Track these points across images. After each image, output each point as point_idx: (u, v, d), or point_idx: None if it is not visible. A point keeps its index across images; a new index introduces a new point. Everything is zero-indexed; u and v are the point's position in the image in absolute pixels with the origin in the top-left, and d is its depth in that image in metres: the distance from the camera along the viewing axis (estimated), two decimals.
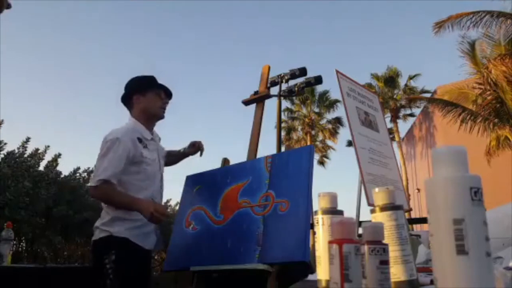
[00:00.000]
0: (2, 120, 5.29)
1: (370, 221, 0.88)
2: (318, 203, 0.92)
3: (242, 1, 37.25)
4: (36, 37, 31.52)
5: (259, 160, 1.95)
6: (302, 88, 2.50)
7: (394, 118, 22.24)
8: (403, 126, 24.21)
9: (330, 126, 22.85)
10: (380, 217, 0.84)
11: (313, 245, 0.97)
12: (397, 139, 21.98)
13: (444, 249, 0.56)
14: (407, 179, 20.80)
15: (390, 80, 22.34)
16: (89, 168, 6.76)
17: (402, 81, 22.67)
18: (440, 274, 0.57)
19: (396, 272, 0.80)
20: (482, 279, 0.54)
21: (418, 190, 21.79)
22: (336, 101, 21.88)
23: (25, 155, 5.78)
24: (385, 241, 0.74)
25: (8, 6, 1.33)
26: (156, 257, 7.46)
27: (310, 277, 1.38)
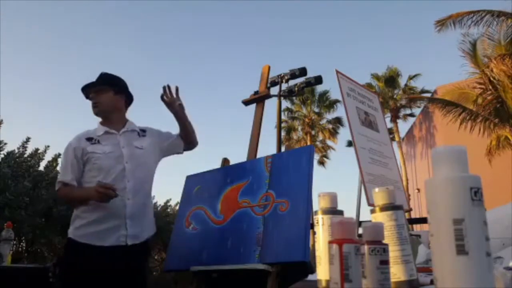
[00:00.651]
0: (2, 120, 5.29)
1: (370, 221, 0.88)
2: (318, 203, 0.92)
3: (242, 1, 37.27)
4: (36, 36, 31.54)
5: (259, 160, 1.95)
6: (302, 88, 2.50)
7: (394, 118, 22.24)
8: (403, 126, 24.22)
9: (330, 126, 22.85)
10: (380, 217, 0.84)
11: (313, 245, 0.97)
12: (397, 139, 21.97)
13: (444, 249, 0.56)
14: (407, 179, 20.80)
15: (390, 80, 22.34)
16: None
17: (402, 81, 22.68)
18: (440, 274, 0.57)
19: (396, 272, 0.80)
20: (482, 279, 0.54)
21: (418, 190, 21.79)
22: (336, 101, 21.88)
23: (25, 155, 5.78)
24: (385, 241, 0.74)
25: None
26: (156, 257, 7.46)
27: (310, 277, 1.38)
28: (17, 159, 5.50)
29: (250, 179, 1.89)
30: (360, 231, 0.77)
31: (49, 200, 5.49)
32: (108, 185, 1.87)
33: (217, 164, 2.15)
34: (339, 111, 22.39)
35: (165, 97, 2.14)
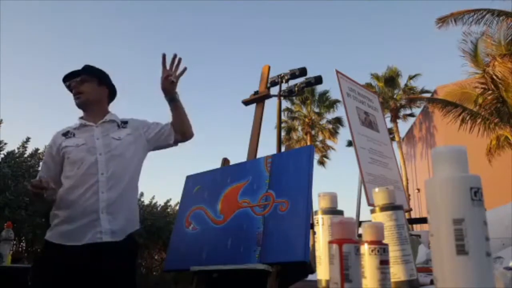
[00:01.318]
0: (2, 120, 5.30)
1: (370, 221, 0.88)
2: (318, 203, 0.92)
3: (243, 1, 37.26)
4: (36, 36, 31.55)
5: (259, 160, 1.95)
6: (302, 88, 2.50)
7: (394, 118, 22.25)
8: (403, 126, 24.23)
9: (330, 126, 22.86)
10: (380, 217, 0.84)
11: (313, 245, 0.97)
12: (397, 139, 21.98)
13: (444, 249, 0.56)
14: (407, 179, 20.81)
15: (390, 80, 22.35)
16: None
17: (402, 81, 22.69)
18: (440, 274, 0.57)
19: (396, 272, 0.80)
20: (482, 279, 0.54)
21: (418, 190, 21.80)
22: (336, 101, 21.88)
23: (25, 155, 5.78)
24: (385, 241, 0.74)
25: None
26: (156, 257, 7.46)
27: (310, 277, 1.38)
28: (17, 159, 5.50)
29: (250, 179, 1.89)
30: (360, 231, 0.77)
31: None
32: (35, 182, 1.74)
33: (217, 164, 2.15)
34: (339, 111, 22.40)
35: (168, 66, 1.98)
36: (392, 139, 20.43)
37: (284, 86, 2.52)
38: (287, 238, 1.54)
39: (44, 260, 1.85)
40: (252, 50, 36.61)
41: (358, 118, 2.11)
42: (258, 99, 2.46)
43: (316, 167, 21.87)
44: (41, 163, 2.08)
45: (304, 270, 1.44)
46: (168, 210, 7.96)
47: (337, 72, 2.11)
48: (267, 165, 1.87)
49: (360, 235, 0.75)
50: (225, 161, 2.04)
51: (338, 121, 22.52)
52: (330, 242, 0.69)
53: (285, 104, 21.91)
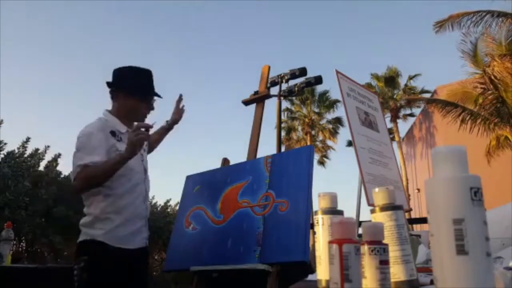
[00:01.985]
0: (2, 120, 5.30)
1: (370, 221, 0.88)
2: (318, 203, 0.92)
3: (243, 1, 37.28)
4: (36, 36, 31.54)
5: (259, 160, 1.95)
6: (302, 88, 2.50)
7: (394, 118, 22.25)
8: (403, 126, 24.20)
9: (330, 126, 22.86)
10: (380, 217, 0.84)
11: (313, 245, 0.97)
12: (397, 139, 21.98)
13: (444, 249, 0.56)
14: (407, 179, 20.81)
15: (390, 80, 22.35)
16: None
17: (402, 81, 22.69)
18: (440, 274, 0.57)
19: (396, 272, 0.80)
20: (482, 279, 0.54)
21: (418, 190, 21.79)
22: (336, 101, 21.88)
23: (25, 155, 5.78)
24: (385, 241, 0.74)
25: None
26: (156, 257, 7.46)
27: (310, 277, 1.38)
28: (17, 159, 5.51)
29: (250, 179, 1.89)
30: (360, 231, 0.77)
31: (49, 200, 5.49)
32: (140, 125, 1.74)
33: (217, 164, 2.15)
34: (339, 111, 22.40)
35: (181, 107, 2.26)
36: (392, 139, 20.43)
37: (284, 86, 2.52)
38: (287, 238, 1.54)
39: (104, 261, 1.80)
40: (252, 50, 36.64)
41: (358, 118, 2.11)
42: (258, 99, 2.46)
43: (316, 167, 21.89)
44: (82, 146, 1.81)
45: (304, 270, 1.44)
46: (168, 210, 7.97)
47: (337, 72, 2.11)
48: (267, 165, 1.87)
49: (360, 235, 0.75)
50: (225, 161, 2.04)
51: (338, 121, 22.52)
52: (330, 242, 0.69)
53: (285, 104, 21.93)
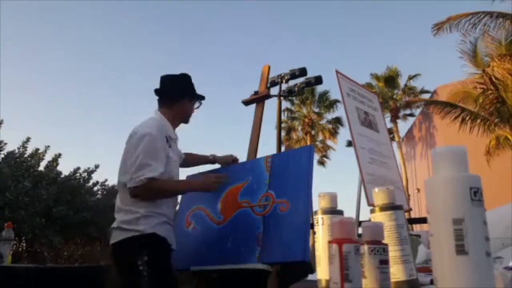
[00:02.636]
0: (2, 120, 5.30)
1: (370, 221, 0.88)
2: (318, 203, 0.92)
3: (243, 1, 37.28)
4: (37, 35, 31.54)
5: (259, 160, 1.95)
6: (302, 88, 2.50)
7: (394, 118, 22.24)
8: (403, 126, 24.17)
9: (330, 126, 22.84)
10: (380, 217, 0.84)
11: (313, 245, 0.97)
12: (397, 139, 21.96)
13: (444, 249, 0.56)
14: (407, 179, 20.79)
15: (390, 80, 22.34)
16: (89, 168, 6.75)
17: (402, 81, 22.68)
18: (440, 274, 0.57)
19: (396, 272, 0.80)
20: (482, 279, 0.54)
21: (418, 190, 21.78)
22: (336, 101, 21.85)
23: (25, 155, 5.79)
24: (385, 241, 0.74)
25: None
26: None
27: (310, 277, 1.38)
28: (17, 159, 5.51)
29: (250, 179, 1.89)
30: (360, 231, 0.77)
31: (49, 200, 5.49)
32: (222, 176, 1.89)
33: (217, 164, 2.16)
34: (339, 111, 22.37)
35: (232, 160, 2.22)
36: (392, 139, 20.42)
37: (284, 86, 2.53)
38: (287, 238, 1.54)
39: (165, 252, 1.82)
40: (252, 50, 36.64)
41: (358, 118, 2.11)
42: (258, 99, 2.46)
43: (316, 167, 21.88)
44: (151, 151, 1.81)
45: (304, 270, 1.44)
46: None
47: (337, 72, 2.11)
48: (267, 165, 1.87)
49: (360, 235, 0.75)
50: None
51: (338, 121, 22.50)
52: (330, 242, 0.69)
53: (285, 104, 21.91)
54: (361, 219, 2.09)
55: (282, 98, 2.51)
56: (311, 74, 2.48)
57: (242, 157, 2.26)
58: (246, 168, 2.00)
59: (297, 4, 37.95)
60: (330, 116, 23.01)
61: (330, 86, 21.66)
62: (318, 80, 2.47)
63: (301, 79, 2.50)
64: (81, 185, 6.51)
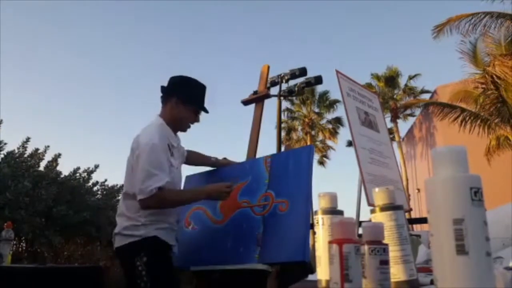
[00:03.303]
0: (2, 120, 5.30)
1: (370, 221, 0.88)
2: (318, 203, 0.92)
3: (243, 1, 37.27)
4: (37, 35, 31.52)
5: (259, 160, 1.95)
6: (302, 88, 2.49)
7: (394, 118, 22.25)
8: (403, 126, 24.20)
9: (330, 126, 22.86)
10: (380, 217, 0.84)
11: (313, 245, 0.97)
12: (397, 139, 21.97)
13: (444, 249, 0.56)
14: (407, 179, 20.80)
15: (390, 80, 22.35)
16: (89, 168, 6.75)
17: (402, 81, 22.69)
18: (440, 274, 0.57)
19: (396, 272, 0.80)
20: (482, 279, 0.54)
21: (418, 190, 21.77)
22: (336, 101, 21.88)
23: (25, 155, 5.78)
24: (385, 241, 0.74)
25: None
26: None
27: (310, 277, 1.38)
28: (17, 159, 5.51)
29: (250, 179, 1.89)
30: (360, 231, 0.77)
31: (49, 200, 5.48)
32: (227, 185, 1.87)
33: None
34: (339, 111, 22.40)
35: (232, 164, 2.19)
36: (392, 139, 20.43)
37: (284, 86, 2.53)
38: (287, 238, 1.54)
39: (164, 252, 1.85)
40: (252, 50, 36.62)
41: (358, 118, 2.11)
42: (257, 99, 2.46)
43: (316, 167, 21.89)
44: (149, 161, 1.81)
45: (304, 270, 1.44)
46: None
47: (337, 72, 2.11)
48: (267, 165, 1.87)
49: (360, 235, 0.75)
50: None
51: (338, 121, 22.52)
52: (330, 242, 0.69)
53: (285, 104, 21.93)
54: (361, 219, 2.09)
55: (282, 98, 2.51)
56: (311, 74, 2.48)
57: (242, 157, 2.26)
58: (245, 168, 2.00)
59: (297, 4, 37.96)
60: (330, 116, 23.04)
61: (330, 86, 21.68)
62: (318, 80, 2.47)
63: (301, 79, 2.50)
64: (81, 185, 6.50)
